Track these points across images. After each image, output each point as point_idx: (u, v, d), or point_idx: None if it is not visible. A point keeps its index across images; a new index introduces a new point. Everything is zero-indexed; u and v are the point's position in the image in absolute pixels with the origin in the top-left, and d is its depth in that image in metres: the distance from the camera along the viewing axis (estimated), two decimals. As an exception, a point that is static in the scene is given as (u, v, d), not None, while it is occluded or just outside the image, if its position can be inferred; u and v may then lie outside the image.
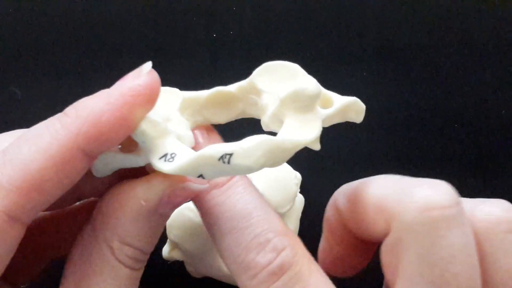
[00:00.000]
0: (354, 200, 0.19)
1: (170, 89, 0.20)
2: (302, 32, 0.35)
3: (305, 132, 0.17)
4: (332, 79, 0.34)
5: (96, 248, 0.18)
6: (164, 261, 0.28)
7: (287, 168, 0.28)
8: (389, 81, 0.34)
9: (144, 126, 0.17)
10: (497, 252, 0.17)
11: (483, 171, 0.33)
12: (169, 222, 0.26)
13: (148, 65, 0.18)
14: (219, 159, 0.16)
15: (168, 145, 0.17)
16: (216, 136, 0.21)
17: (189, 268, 0.28)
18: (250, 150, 0.16)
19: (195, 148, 0.19)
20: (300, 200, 0.30)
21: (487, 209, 0.18)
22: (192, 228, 0.25)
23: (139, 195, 0.18)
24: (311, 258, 0.18)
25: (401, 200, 0.17)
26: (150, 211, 0.18)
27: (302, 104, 0.18)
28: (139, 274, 0.19)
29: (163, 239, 0.27)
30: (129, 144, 0.18)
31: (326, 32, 0.35)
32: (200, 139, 0.20)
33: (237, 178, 0.19)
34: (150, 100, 0.17)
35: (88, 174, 0.18)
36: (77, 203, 0.21)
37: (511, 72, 0.34)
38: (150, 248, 0.19)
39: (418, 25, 0.35)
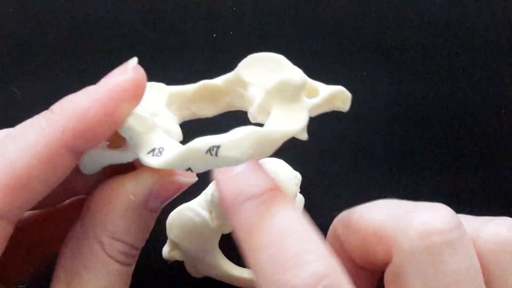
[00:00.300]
0: (353, 229, 0.19)
1: (157, 84, 0.20)
2: (302, 32, 0.35)
3: (291, 122, 0.17)
4: (332, 79, 0.34)
5: (87, 244, 0.18)
6: (164, 261, 0.28)
7: (287, 168, 0.28)
8: (388, 80, 0.34)
9: (131, 121, 0.17)
10: (506, 274, 0.17)
11: (483, 171, 0.33)
12: (169, 222, 0.26)
13: (134, 60, 0.18)
14: (206, 152, 0.16)
15: (155, 139, 0.17)
16: None
17: (189, 268, 0.28)
18: (238, 141, 0.16)
19: None
20: (300, 200, 0.30)
21: (493, 229, 0.18)
22: (192, 228, 0.25)
23: (127, 189, 0.18)
24: None
25: (399, 226, 0.16)
26: (140, 206, 0.18)
27: (288, 94, 0.17)
28: (130, 269, 0.19)
29: (163, 239, 0.27)
30: (117, 140, 0.18)
31: (326, 32, 0.35)
32: None
33: (275, 193, 0.17)
34: (136, 95, 0.17)
35: (78, 171, 0.18)
36: (68, 200, 0.21)
37: (511, 72, 0.34)
38: (141, 243, 0.19)
39: (418, 25, 0.35)
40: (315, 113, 0.19)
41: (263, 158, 0.17)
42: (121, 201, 0.18)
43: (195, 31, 0.34)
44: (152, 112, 0.18)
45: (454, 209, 0.32)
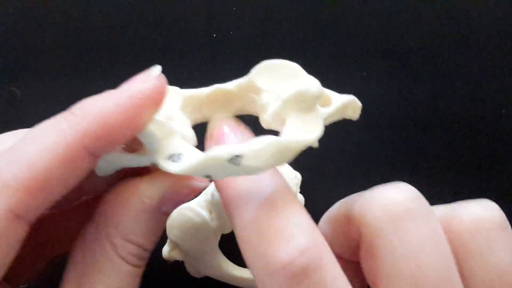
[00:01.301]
0: (331, 222, 0.20)
1: (171, 87, 0.20)
2: (302, 32, 0.35)
3: (308, 131, 0.18)
4: (332, 79, 0.34)
5: (99, 245, 0.18)
6: (164, 261, 0.28)
7: (287, 168, 0.28)
8: (389, 81, 0.34)
9: (152, 127, 0.17)
10: (482, 249, 0.17)
11: (483, 171, 0.33)
12: (169, 222, 0.26)
13: (158, 69, 0.18)
14: (228, 161, 0.16)
15: (174, 145, 0.18)
16: (246, 130, 0.20)
17: (189, 268, 0.28)
18: (260, 151, 0.16)
19: (217, 140, 0.19)
20: (300, 200, 0.30)
21: (470, 209, 0.18)
22: (192, 228, 0.25)
23: (142, 192, 0.18)
24: (336, 263, 0.16)
25: (363, 204, 0.17)
26: (153, 209, 0.18)
27: (305, 104, 0.18)
28: (140, 271, 0.19)
29: (163, 239, 0.27)
30: (132, 144, 0.18)
31: (326, 32, 0.35)
32: (232, 136, 0.19)
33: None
34: (157, 103, 0.17)
35: (90, 172, 0.18)
36: (77, 201, 0.21)
37: (511, 72, 0.34)
38: (152, 246, 0.19)
39: (418, 25, 0.35)
40: (328, 122, 0.20)
41: (279, 165, 0.17)
42: (135, 204, 0.18)
43: (195, 31, 0.34)
44: (167, 115, 0.19)
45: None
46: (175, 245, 0.27)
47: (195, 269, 0.28)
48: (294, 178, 0.28)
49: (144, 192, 0.18)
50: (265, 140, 0.16)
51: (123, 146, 0.19)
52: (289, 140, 0.17)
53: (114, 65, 0.34)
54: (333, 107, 0.19)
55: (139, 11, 0.34)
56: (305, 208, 0.17)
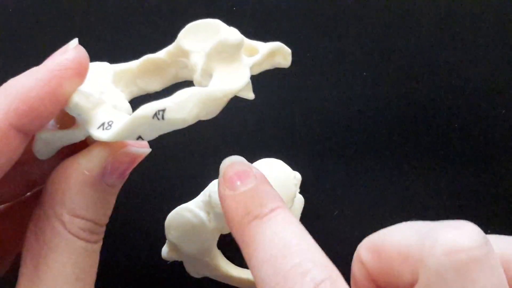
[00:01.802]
0: (378, 252, 0.19)
1: (101, 63, 0.20)
2: (302, 32, 0.35)
3: (234, 80, 0.18)
4: (332, 79, 0.34)
5: (48, 224, 0.18)
6: (164, 261, 0.28)
7: (286, 169, 0.28)
8: (389, 81, 0.34)
9: (77, 98, 0.17)
10: None
11: (483, 171, 0.33)
12: (167, 223, 0.26)
13: (74, 41, 0.18)
14: (153, 117, 0.16)
15: (104, 114, 0.18)
16: (258, 172, 0.20)
17: (189, 268, 0.28)
18: (182, 103, 0.16)
19: None
20: (299, 200, 0.30)
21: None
22: (190, 229, 0.25)
23: (81, 166, 0.18)
24: None
25: (425, 245, 0.16)
26: (95, 181, 0.18)
27: (227, 54, 0.18)
28: (96, 247, 0.19)
29: (162, 239, 0.27)
30: (67, 121, 0.19)
31: (326, 32, 0.35)
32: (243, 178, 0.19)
33: (278, 210, 0.18)
34: (79, 73, 0.17)
35: (35, 160, 0.18)
36: (30, 192, 0.22)
37: (511, 72, 0.34)
38: (104, 219, 0.19)
39: (418, 25, 0.35)
40: (257, 71, 0.20)
41: (210, 117, 0.17)
42: (76, 178, 0.18)
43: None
44: (98, 90, 0.18)
45: (454, 209, 0.32)
46: (174, 246, 0.27)
47: (194, 269, 0.28)
48: (293, 178, 0.28)
49: (83, 165, 0.18)
50: (187, 91, 0.16)
51: (58, 125, 0.19)
52: (212, 90, 0.17)
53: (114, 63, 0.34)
54: (259, 55, 0.19)
55: (139, 11, 0.34)
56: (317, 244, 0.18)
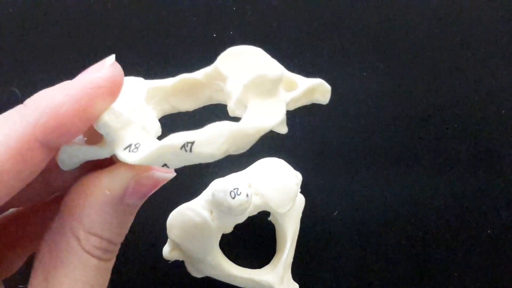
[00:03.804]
0: None
1: (135, 78, 0.20)
2: (302, 32, 0.35)
3: (268, 116, 0.17)
4: (332, 79, 0.34)
5: (63, 239, 0.18)
6: (164, 261, 0.28)
7: (287, 168, 0.28)
8: (389, 81, 0.34)
9: (107, 117, 0.17)
10: None
11: (483, 171, 0.33)
12: (169, 222, 0.26)
13: (111, 58, 0.18)
14: (181, 148, 0.16)
15: (132, 135, 0.17)
16: None
17: (190, 268, 0.28)
18: (212, 137, 0.16)
19: None
20: (300, 200, 0.30)
21: None
22: (192, 228, 0.25)
23: (103, 184, 0.18)
24: None
25: None
26: (116, 201, 0.18)
27: (265, 88, 0.18)
28: (109, 265, 0.19)
29: (163, 239, 0.27)
30: (95, 136, 0.18)
31: (326, 32, 0.35)
32: None
33: None
34: (112, 92, 0.17)
35: (57, 168, 0.18)
36: (50, 198, 0.21)
37: (511, 72, 0.34)
38: (119, 239, 0.19)
39: (418, 25, 0.35)
40: (293, 107, 0.19)
41: (240, 152, 0.17)
42: (97, 196, 0.18)
43: (195, 31, 0.34)
44: (129, 107, 0.18)
45: (455, 209, 0.32)
46: (176, 245, 0.27)
47: (195, 269, 0.28)
48: (294, 178, 0.28)
49: (106, 184, 0.18)
50: (218, 125, 0.16)
51: (85, 138, 0.19)
52: (243, 125, 0.16)
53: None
54: (298, 91, 0.19)
55: (140, 11, 0.34)
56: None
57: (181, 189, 0.32)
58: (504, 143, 0.33)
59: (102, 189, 0.18)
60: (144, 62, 0.33)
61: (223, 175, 0.27)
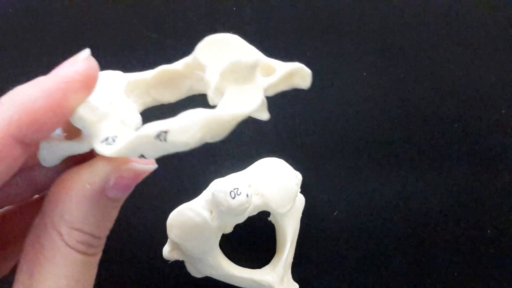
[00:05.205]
0: None
1: (113, 72, 0.20)
2: (302, 32, 0.35)
3: (245, 103, 0.17)
4: (332, 79, 0.34)
5: (46, 235, 0.17)
6: (164, 261, 0.28)
7: (287, 168, 0.28)
8: (389, 81, 0.34)
9: (82, 111, 0.17)
10: None
11: (483, 171, 0.33)
12: (169, 222, 0.26)
13: (86, 52, 0.18)
14: (155, 138, 0.16)
15: (109, 128, 0.17)
16: None
17: (190, 268, 0.28)
18: (186, 126, 0.16)
19: None
20: (300, 200, 0.30)
21: None
22: (192, 228, 0.25)
23: (83, 178, 0.18)
24: None
25: None
26: (97, 195, 0.18)
27: (241, 75, 0.17)
28: (94, 259, 0.19)
29: (163, 239, 0.27)
30: (74, 131, 0.18)
31: (326, 32, 0.35)
32: None
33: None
34: (86, 86, 0.17)
35: (42, 165, 0.18)
36: (35, 196, 0.21)
37: (511, 72, 0.34)
38: (103, 233, 0.19)
39: (418, 25, 0.35)
40: (273, 92, 0.19)
41: (217, 140, 0.17)
42: (77, 190, 0.18)
43: (195, 31, 0.34)
44: (107, 101, 0.18)
45: (454, 208, 0.32)
46: (176, 245, 0.27)
47: (195, 269, 0.28)
48: (294, 178, 0.28)
49: (85, 178, 0.18)
50: (192, 113, 0.16)
51: (65, 134, 0.19)
52: (218, 113, 0.16)
53: (114, 65, 0.33)
54: (276, 76, 0.19)
55: (140, 11, 0.34)
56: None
57: (181, 189, 0.32)
58: (504, 143, 0.33)
59: (82, 183, 0.18)
60: (143, 62, 0.33)
61: (223, 175, 0.27)
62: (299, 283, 0.30)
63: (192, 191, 0.27)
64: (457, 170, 0.33)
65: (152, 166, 0.19)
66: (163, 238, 0.27)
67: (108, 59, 0.34)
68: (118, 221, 0.32)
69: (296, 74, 0.19)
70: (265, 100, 0.18)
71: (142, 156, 0.16)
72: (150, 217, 0.31)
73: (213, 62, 0.19)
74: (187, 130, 0.16)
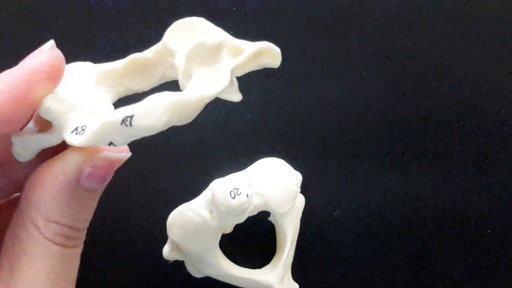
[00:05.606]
0: None
1: (83, 63, 0.20)
2: (302, 32, 0.35)
3: (211, 84, 0.17)
4: (332, 79, 0.34)
5: (24, 229, 0.17)
6: (164, 261, 0.28)
7: (287, 168, 0.28)
8: (389, 81, 0.34)
9: (49, 102, 0.17)
10: None
11: (482, 171, 0.33)
12: (169, 222, 0.26)
13: (50, 43, 0.18)
14: (121, 123, 0.16)
15: (78, 118, 0.17)
16: None
17: (190, 268, 0.28)
18: (150, 109, 0.16)
19: None
20: (300, 200, 0.30)
21: None
22: (192, 228, 0.25)
23: (56, 170, 0.17)
24: None
25: None
26: (71, 186, 0.18)
27: (206, 56, 0.17)
28: (74, 252, 0.18)
29: (163, 239, 0.27)
30: (46, 124, 0.18)
31: (326, 32, 0.35)
32: None
33: None
34: (52, 77, 0.17)
35: (18, 162, 0.18)
36: (16, 194, 0.21)
37: (511, 71, 0.34)
38: (81, 224, 0.18)
39: (418, 25, 0.35)
40: (241, 72, 0.19)
41: (184, 123, 0.17)
42: (51, 182, 0.17)
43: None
44: (77, 91, 0.18)
45: (454, 209, 0.32)
46: (176, 245, 0.27)
47: (195, 269, 0.28)
48: (294, 178, 0.28)
49: (58, 169, 0.17)
50: (157, 97, 0.16)
51: (37, 128, 0.18)
52: (184, 95, 0.16)
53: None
54: (243, 56, 0.18)
55: (140, 11, 0.34)
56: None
57: (181, 189, 0.32)
58: (504, 143, 0.33)
59: (55, 174, 0.17)
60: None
61: (223, 175, 0.27)
62: (299, 283, 0.30)
63: (192, 191, 0.27)
64: (458, 170, 0.33)
65: (125, 154, 0.19)
66: (163, 238, 0.27)
67: (108, 59, 0.34)
68: (118, 221, 0.32)
69: (265, 53, 0.19)
70: (235, 81, 0.18)
71: (112, 143, 0.16)
72: (150, 217, 0.31)
73: (182, 47, 0.19)
74: (152, 114, 0.16)
